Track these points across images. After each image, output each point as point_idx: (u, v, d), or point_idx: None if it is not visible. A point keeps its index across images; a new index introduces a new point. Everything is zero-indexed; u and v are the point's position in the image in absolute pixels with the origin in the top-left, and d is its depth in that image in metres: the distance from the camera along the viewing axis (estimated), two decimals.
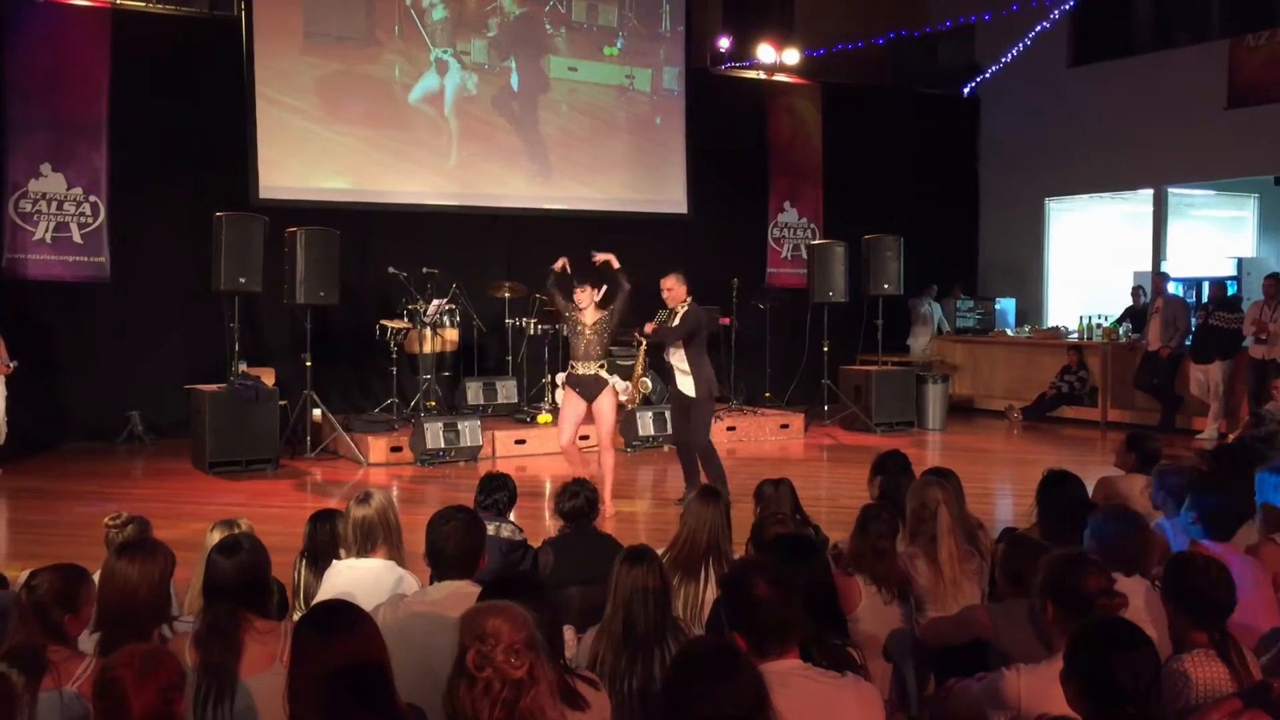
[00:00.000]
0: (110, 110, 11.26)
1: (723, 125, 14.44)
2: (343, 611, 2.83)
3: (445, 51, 12.83)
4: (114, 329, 11.30)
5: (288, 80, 12.02)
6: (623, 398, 8.25)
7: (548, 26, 13.43)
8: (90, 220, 11.26)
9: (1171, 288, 13.14)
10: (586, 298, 8.05)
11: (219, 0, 12.29)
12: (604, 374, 8.03)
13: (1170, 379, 12.29)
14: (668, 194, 14.19)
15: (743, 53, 14.97)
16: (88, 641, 3.36)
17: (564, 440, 8.12)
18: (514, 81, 13.25)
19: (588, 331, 8.02)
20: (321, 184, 12.20)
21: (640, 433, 11.03)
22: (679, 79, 14.19)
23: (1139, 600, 3.53)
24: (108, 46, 11.26)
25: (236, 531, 3.88)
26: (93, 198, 11.26)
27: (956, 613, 3.86)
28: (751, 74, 15.13)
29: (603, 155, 13.80)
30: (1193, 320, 12.29)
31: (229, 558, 3.29)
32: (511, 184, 13.23)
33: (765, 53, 14.82)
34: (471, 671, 2.44)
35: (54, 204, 11.10)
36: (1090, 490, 5.03)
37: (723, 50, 14.93)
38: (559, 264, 8.29)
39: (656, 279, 12.83)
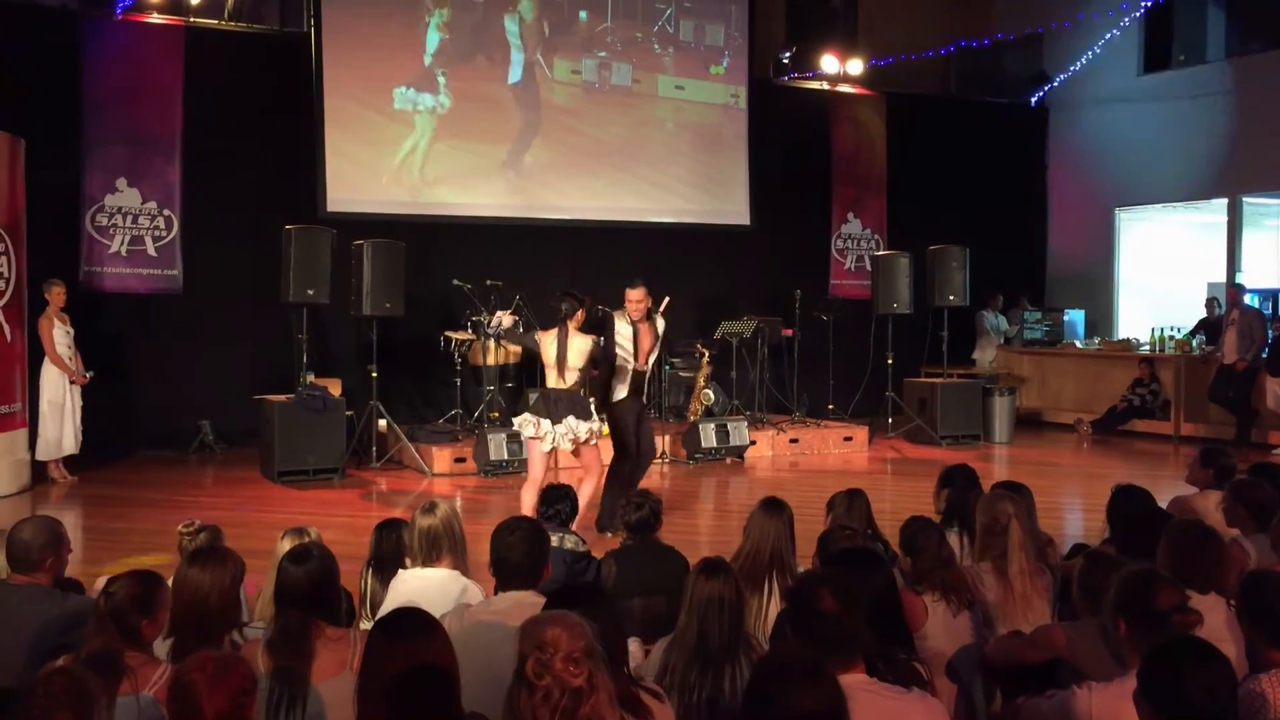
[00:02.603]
0: (184, 125, 11.52)
1: (786, 136, 14.42)
2: (417, 618, 2.86)
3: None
4: (186, 340, 11.51)
5: (359, 94, 12.22)
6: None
7: (655, 47, 13.65)
8: (164, 233, 11.51)
9: (1248, 299, 12.86)
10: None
11: (290, 17, 12.51)
12: None
13: (1246, 392, 12.02)
14: (730, 205, 14.20)
15: (806, 63, 14.93)
16: (161, 647, 3.42)
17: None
18: (610, 97, 13.49)
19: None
20: (389, 196, 12.37)
21: (703, 444, 11.01)
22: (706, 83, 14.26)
23: (1218, 618, 3.46)
24: (181, 63, 11.52)
25: (307, 540, 3.93)
26: (166, 211, 11.51)
27: (1030, 632, 3.80)
28: (815, 84, 15.08)
29: (668, 167, 13.86)
30: (1269, 332, 12.03)
31: (300, 565, 3.34)
32: (576, 196, 13.32)
33: (829, 63, 14.76)
34: (531, 680, 2.47)
35: (129, 218, 11.36)
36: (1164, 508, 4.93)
37: (786, 61, 14.90)
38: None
39: (719, 290, 12.74)
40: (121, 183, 11.31)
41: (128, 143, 11.32)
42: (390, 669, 2.61)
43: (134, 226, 11.38)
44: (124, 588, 3.22)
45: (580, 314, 7.39)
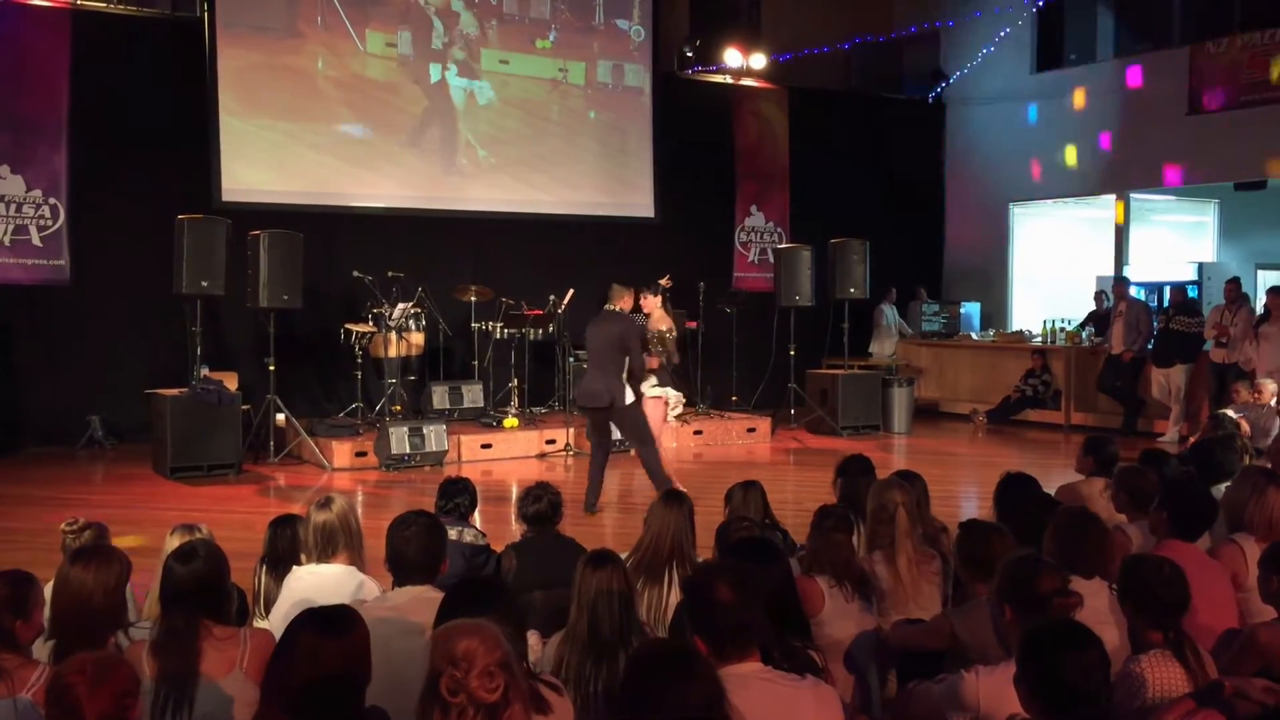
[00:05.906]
0: (70, 111, 11.14)
1: (690, 129, 14.46)
2: (346, 615, 2.78)
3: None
4: (74, 333, 11.16)
5: (251, 80, 11.94)
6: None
7: (478, 19, 13.29)
8: (49, 223, 11.13)
9: (1134, 292, 13.28)
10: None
11: (181, 1, 12.18)
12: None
13: (1132, 382, 12.42)
14: (635, 198, 14.21)
15: (709, 57, 15.01)
16: (42, 649, 3.31)
17: None
18: (449, 77, 13.11)
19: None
20: (285, 186, 12.12)
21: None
22: (612, 73, 14.09)
23: (1100, 602, 3.56)
24: (68, 47, 11.13)
25: (196, 537, 3.84)
26: (52, 200, 11.13)
27: (927, 622, 3.88)
28: (718, 78, 15.16)
29: (570, 158, 13.80)
30: (1155, 324, 12.43)
31: (185, 564, 3.25)
32: (477, 187, 13.20)
33: (732, 57, 14.86)
34: (445, 698, 2.37)
35: (12, 206, 10.96)
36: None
37: (689, 54, 14.95)
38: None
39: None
40: (4, 170, 10.91)
41: (11, 128, 10.91)
42: (312, 668, 2.54)
43: (18, 215, 10.98)
44: None
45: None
